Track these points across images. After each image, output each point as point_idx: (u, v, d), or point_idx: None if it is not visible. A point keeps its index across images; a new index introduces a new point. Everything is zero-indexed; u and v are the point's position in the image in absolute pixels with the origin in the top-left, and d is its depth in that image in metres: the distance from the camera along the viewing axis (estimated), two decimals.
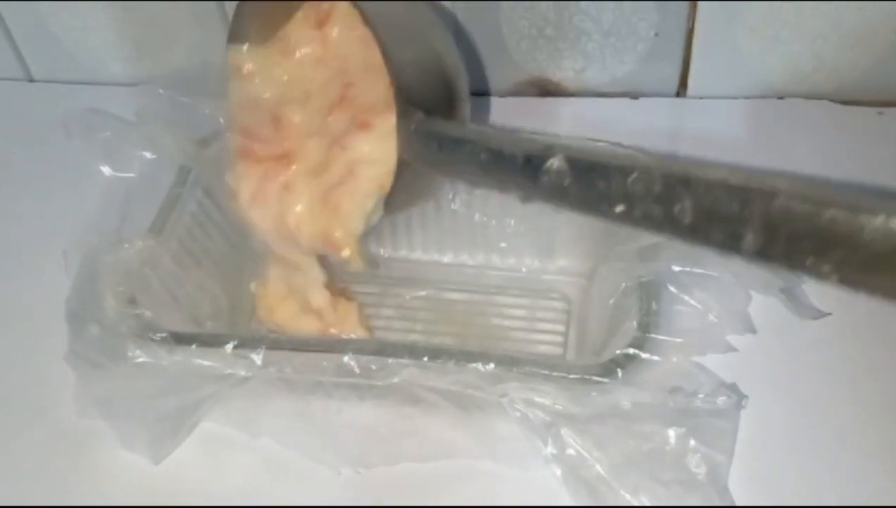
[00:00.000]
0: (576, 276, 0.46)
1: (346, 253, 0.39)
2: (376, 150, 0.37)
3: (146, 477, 0.38)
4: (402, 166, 0.37)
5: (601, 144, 0.39)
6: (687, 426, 0.34)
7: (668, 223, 0.25)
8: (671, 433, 0.34)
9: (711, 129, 0.50)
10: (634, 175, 0.26)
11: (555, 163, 0.28)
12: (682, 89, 0.53)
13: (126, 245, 0.39)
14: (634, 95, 0.54)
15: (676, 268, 0.36)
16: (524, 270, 0.47)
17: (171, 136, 0.43)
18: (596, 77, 0.53)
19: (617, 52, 0.52)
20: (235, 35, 0.39)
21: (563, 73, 0.53)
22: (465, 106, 0.38)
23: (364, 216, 0.38)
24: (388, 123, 0.37)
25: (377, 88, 0.37)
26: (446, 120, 0.36)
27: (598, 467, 0.34)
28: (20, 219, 0.50)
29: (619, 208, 0.26)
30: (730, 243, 0.23)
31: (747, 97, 0.53)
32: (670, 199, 0.25)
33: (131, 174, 0.42)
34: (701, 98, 0.53)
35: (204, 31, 0.54)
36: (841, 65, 0.50)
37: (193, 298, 0.42)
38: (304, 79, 0.39)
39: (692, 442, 0.33)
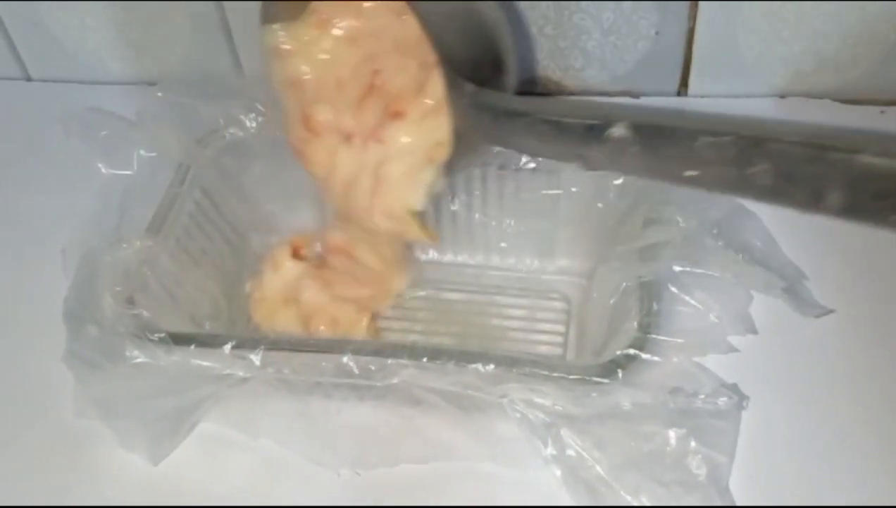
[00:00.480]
0: (576, 276, 0.45)
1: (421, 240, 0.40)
2: (416, 136, 0.37)
3: (145, 478, 0.38)
4: (457, 133, 0.36)
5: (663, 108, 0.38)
6: (688, 426, 0.33)
7: (743, 186, 0.24)
8: (672, 434, 0.33)
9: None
10: (704, 140, 0.25)
11: (618, 130, 0.27)
12: (682, 88, 0.53)
13: (124, 245, 0.39)
14: (635, 94, 0.53)
15: (677, 268, 0.36)
16: (524, 270, 0.47)
17: (170, 135, 0.43)
18: (596, 76, 0.53)
19: (617, 51, 0.51)
20: (268, 15, 0.38)
21: (564, 71, 0.53)
22: (513, 67, 0.37)
23: (424, 192, 0.38)
24: (421, 106, 0.36)
25: (407, 70, 0.36)
26: (495, 88, 0.36)
27: (598, 468, 0.34)
28: (18, 218, 0.50)
29: (690, 173, 0.25)
30: (812, 203, 0.23)
31: (748, 96, 0.52)
32: (746, 162, 0.24)
33: (129, 172, 0.42)
34: (702, 97, 0.53)
35: (203, 31, 0.54)
36: (842, 64, 0.50)
37: (192, 298, 0.42)
38: (337, 62, 0.38)
39: (693, 443, 0.33)
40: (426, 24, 0.35)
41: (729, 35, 0.50)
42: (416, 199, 0.38)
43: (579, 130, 0.29)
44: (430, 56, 0.36)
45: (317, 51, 0.38)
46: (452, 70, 0.35)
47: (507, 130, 0.33)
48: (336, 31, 0.38)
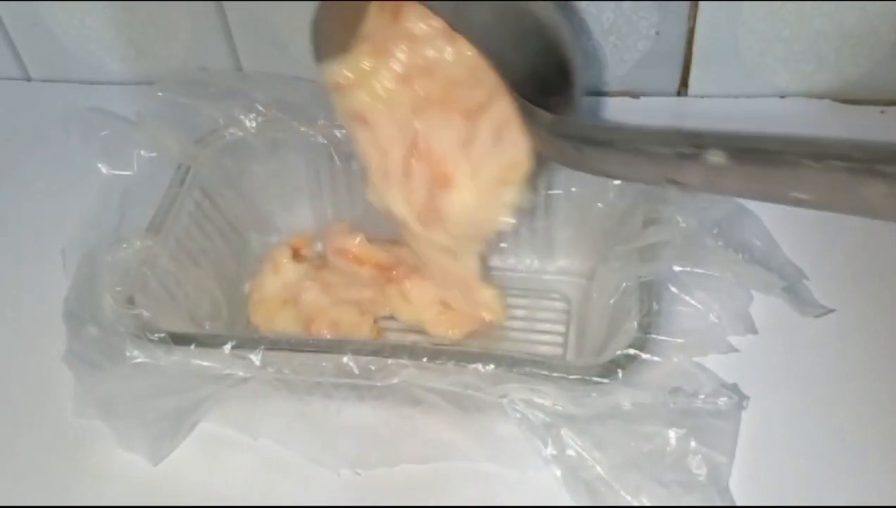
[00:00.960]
0: (576, 276, 0.45)
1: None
2: (475, 190, 0.37)
3: (145, 478, 0.38)
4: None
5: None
6: (688, 426, 0.33)
7: (859, 206, 0.24)
8: (672, 434, 0.33)
9: (712, 128, 0.50)
10: (809, 164, 0.24)
11: (714, 157, 0.27)
12: (683, 88, 0.53)
13: (124, 245, 0.39)
14: (635, 94, 0.53)
15: (677, 268, 0.36)
16: (524, 270, 0.47)
17: (170, 135, 0.43)
18: (596, 76, 0.53)
19: (617, 51, 0.51)
20: (320, 53, 0.38)
21: None
22: (579, 72, 0.36)
23: (508, 212, 0.38)
24: (473, 157, 0.36)
25: (451, 126, 0.36)
26: (563, 96, 0.35)
27: (598, 468, 0.34)
28: (18, 218, 0.50)
29: (796, 195, 0.25)
30: None
31: (748, 96, 0.52)
32: (859, 184, 0.23)
33: (129, 172, 0.42)
34: (702, 97, 0.53)
35: (203, 31, 0.54)
36: (842, 64, 0.50)
37: (192, 298, 0.42)
38: (392, 104, 0.38)
39: (693, 443, 0.33)
40: (478, 43, 0.34)
41: (729, 35, 0.50)
42: (502, 221, 0.38)
43: (671, 158, 0.28)
44: (482, 95, 0.35)
45: (375, 81, 0.37)
46: (519, 92, 0.34)
47: (591, 159, 0.32)
48: (392, 64, 0.37)
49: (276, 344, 0.35)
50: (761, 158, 0.26)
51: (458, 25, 0.34)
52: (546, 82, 0.35)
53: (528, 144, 0.35)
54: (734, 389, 0.36)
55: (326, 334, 0.42)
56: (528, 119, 0.35)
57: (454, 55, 0.36)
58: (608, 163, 0.32)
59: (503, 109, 0.36)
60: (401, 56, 0.36)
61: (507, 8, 0.34)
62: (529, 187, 0.37)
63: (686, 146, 0.28)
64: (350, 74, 0.37)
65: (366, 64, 0.37)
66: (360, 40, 0.37)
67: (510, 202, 0.37)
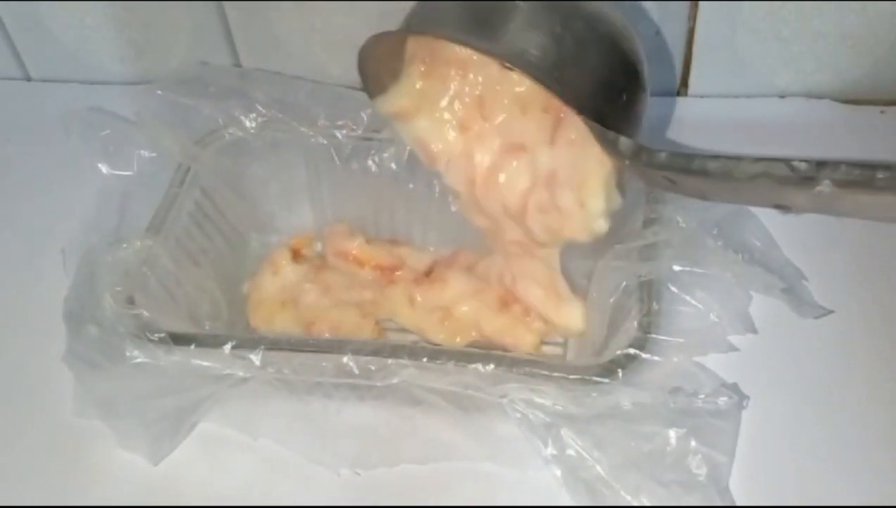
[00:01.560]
0: (576, 276, 0.45)
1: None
2: (579, 311, 0.39)
3: (145, 478, 0.38)
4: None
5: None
6: (688, 426, 0.33)
7: None
8: (672, 434, 0.33)
9: (713, 128, 0.50)
10: None
11: (820, 186, 0.26)
12: (682, 88, 0.53)
13: (124, 245, 0.39)
14: None
15: (677, 268, 0.36)
16: None
17: (171, 135, 0.43)
18: None
19: None
20: (372, 89, 0.38)
21: None
22: (647, 73, 0.34)
23: (600, 220, 0.37)
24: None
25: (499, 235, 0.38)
26: (632, 99, 0.34)
27: (598, 468, 0.34)
28: (18, 218, 0.50)
29: None
30: None
31: (748, 96, 0.52)
32: None
33: (129, 172, 0.42)
34: (702, 97, 0.53)
35: (203, 30, 0.54)
36: (842, 64, 0.50)
37: (192, 298, 0.42)
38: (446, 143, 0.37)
39: (693, 443, 0.33)
40: (536, 76, 0.32)
41: (729, 35, 0.50)
42: (595, 228, 0.37)
43: (774, 185, 0.27)
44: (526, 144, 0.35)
45: (432, 103, 0.37)
46: (586, 111, 0.32)
47: (685, 187, 0.31)
48: (446, 78, 0.36)
49: (276, 344, 0.35)
50: (871, 185, 0.25)
51: (513, 62, 0.32)
52: (612, 89, 0.34)
53: (594, 156, 0.34)
54: (734, 389, 0.36)
55: (327, 335, 0.42)
56: (610, 149, 0.33)
57: (513, 82, 0.35)
58: (705, 190, 0.31)
59: (550, 153, 0.36)
60: (453, 85, 0.36)
61: (558, 22, 0.33)
62: (616, 191, 0.36)
63: (789, 173, 0.27)
64: (405, 100, 0.37)
65: (419, 84, 0.37)
66: (408, 63, 0.37)
67: (597, 210, 0.36)
